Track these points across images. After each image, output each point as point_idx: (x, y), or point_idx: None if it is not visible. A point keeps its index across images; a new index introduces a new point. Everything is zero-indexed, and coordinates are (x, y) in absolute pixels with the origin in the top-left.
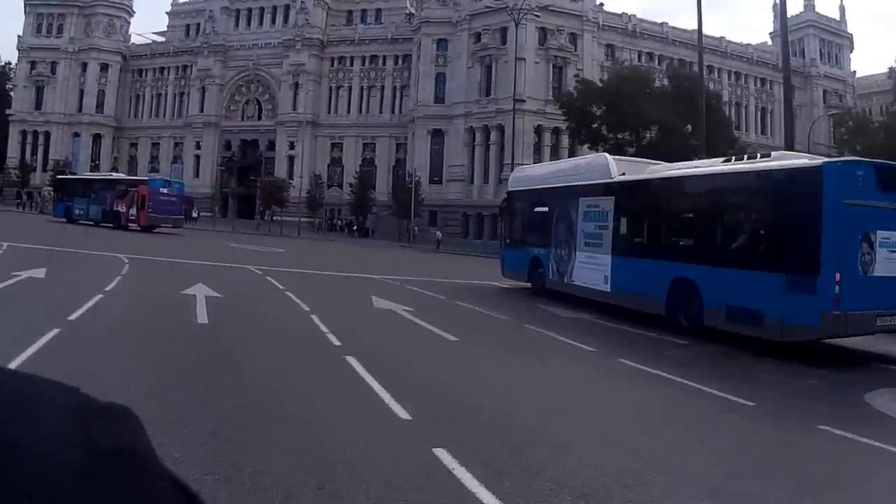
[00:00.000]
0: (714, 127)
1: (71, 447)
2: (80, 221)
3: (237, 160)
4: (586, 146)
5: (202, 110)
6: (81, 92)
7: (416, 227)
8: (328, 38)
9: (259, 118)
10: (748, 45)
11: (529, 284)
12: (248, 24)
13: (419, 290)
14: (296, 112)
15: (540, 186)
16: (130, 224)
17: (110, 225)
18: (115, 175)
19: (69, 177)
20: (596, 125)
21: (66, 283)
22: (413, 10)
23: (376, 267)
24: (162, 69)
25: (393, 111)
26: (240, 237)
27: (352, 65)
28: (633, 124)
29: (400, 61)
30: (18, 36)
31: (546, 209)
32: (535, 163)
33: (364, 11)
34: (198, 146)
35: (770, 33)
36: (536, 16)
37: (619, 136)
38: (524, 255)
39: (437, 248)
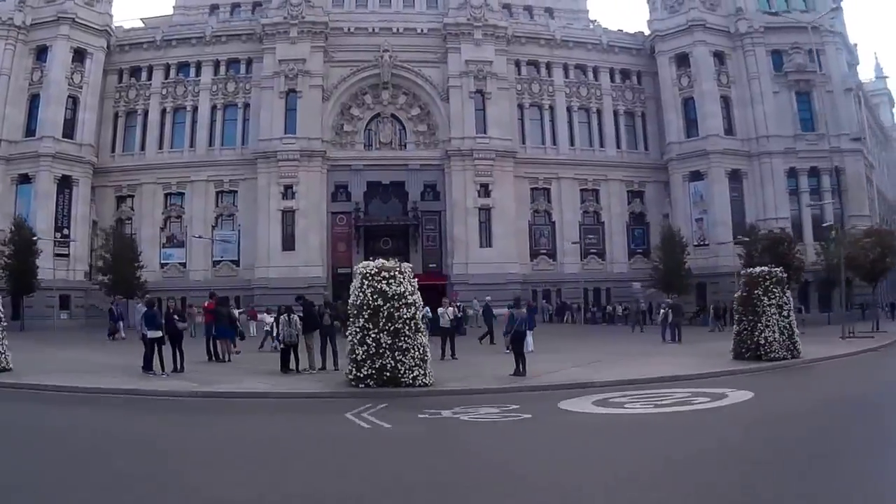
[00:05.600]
0: None
1: None
2: None
3: (364, 217)
4: None
5: (289, 131)
6: (33, 100)
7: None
8: (513, 32)
9: (402, 147)
10: None
11: None
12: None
13: None
14: (486, 136)
15: None
16: None
17: None
18: None
19: None
20: None
21: None
22: (594, 18)
23: None
24: (183, 65)
25: (618, 146)
26: None
27: (550, 75)
28: None
29: (617, 77)
30: None
31: None
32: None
33: (528, 8)
34: (286, 195)
35: None
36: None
37: None
38: None
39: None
